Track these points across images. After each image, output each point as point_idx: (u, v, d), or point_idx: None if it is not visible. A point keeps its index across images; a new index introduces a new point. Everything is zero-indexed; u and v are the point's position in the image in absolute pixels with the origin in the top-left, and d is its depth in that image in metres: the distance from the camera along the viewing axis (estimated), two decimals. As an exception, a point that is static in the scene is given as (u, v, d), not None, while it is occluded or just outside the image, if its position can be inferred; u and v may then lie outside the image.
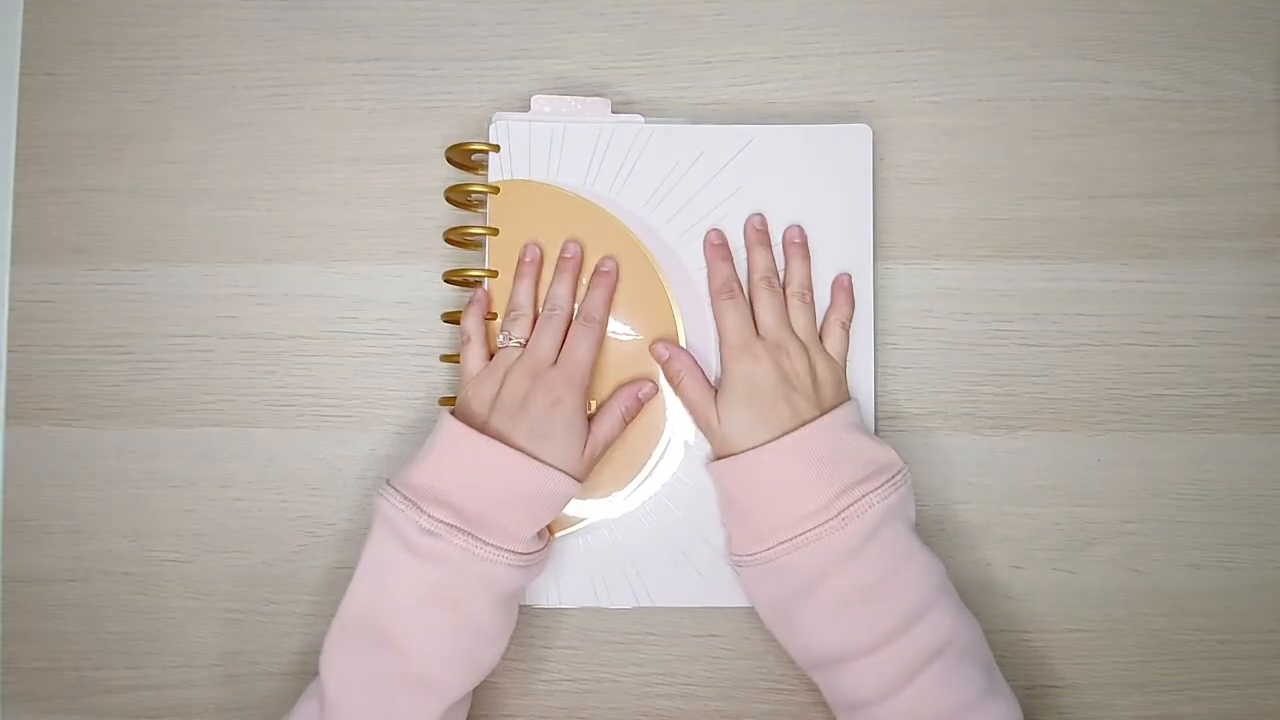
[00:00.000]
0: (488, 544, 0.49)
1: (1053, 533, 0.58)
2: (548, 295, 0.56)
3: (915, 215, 0.59)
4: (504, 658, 0.57)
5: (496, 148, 0.57)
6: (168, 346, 0.59)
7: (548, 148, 0.57)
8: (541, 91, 0.59)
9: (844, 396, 0.55)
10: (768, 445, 0.51)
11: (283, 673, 0.58)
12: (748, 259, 0.56)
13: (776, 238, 0.57)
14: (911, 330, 0.59)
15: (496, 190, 0.57)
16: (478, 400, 0.53)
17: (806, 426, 0.51)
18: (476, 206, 0.58)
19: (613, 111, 0.58)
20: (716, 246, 0.56)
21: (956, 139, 0.59)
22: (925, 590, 0.50)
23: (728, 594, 0.56)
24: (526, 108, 0.58)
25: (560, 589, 0.56)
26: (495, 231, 0.56)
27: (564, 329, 0.55)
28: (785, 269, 0.56)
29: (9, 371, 0.60)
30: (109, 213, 0.60)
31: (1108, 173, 0.59)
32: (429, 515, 0.49)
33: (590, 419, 0.54)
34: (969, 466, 0.58)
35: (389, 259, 0.59)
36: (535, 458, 0.51)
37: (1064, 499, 0.58)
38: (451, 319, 0.56)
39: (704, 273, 0.57)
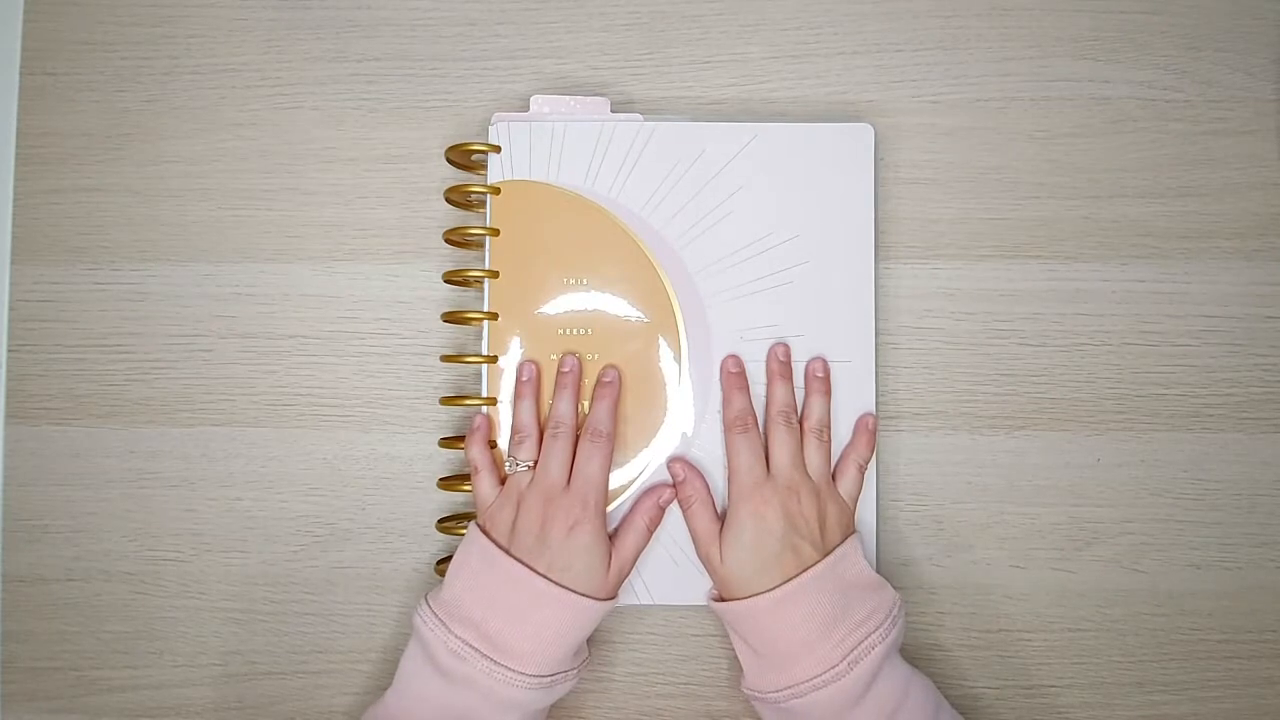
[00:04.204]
0: (510, 669, 0.49)
1: (1052, 533, 0.58)
2: (550, 414, 0.55)
3: (915, 215, 0.59)
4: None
5: (497, 148, 0.57)
6: (168, 346, 0.59)
7: (548, 148, 0.57)
8: (541, 91, 0.59)
9: (849, 532, 0.54)
10: (770, 594, 0.50)
11: (282, 673, 0.58)
12: (767, 392, 0.55)
13: (779, 240, 0.57)
14: (911, 330, 0.59)
15: (497, 191, 0.57)
16: (496, 531, 0.52)
17: (808, 573, 0.51)
18: (477, 207, 0.58)
19: (612, 111, 0.58)
20: (734, 375, 0.55)
21: (956, 139, 0.59)
22: (926, 717, 0.51)
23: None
24: (526, 108, 0.58)
25: (560, 589, 0.56)
26: (496, 232, 0.56)
27: (571, 447, 0.53)
28: (804, 404, 0.55)
29: (9, 371, 0.60)
30: (109, 213, 0.60)
31: (1108, 173, 0.59)
32: (455, 635, 0.49)
33: (613, 536, 0.54)
34: (969, 466, 0.58)
35: (389, 259, 0.59)
36: (559, 584, 0.50)
37: (1063, 499, 0.58)
38: (451, 319, 0.56)
39: (704, 273, 0.56)
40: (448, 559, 0.57)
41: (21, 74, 0.60)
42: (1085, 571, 0.58)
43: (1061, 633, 0.58)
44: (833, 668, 0.49)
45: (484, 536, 0.52)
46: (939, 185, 0.59)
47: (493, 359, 0.56)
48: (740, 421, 0.54)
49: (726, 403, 0.55)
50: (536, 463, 0.53)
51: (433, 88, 0.60)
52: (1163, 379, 0.58)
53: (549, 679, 0.50)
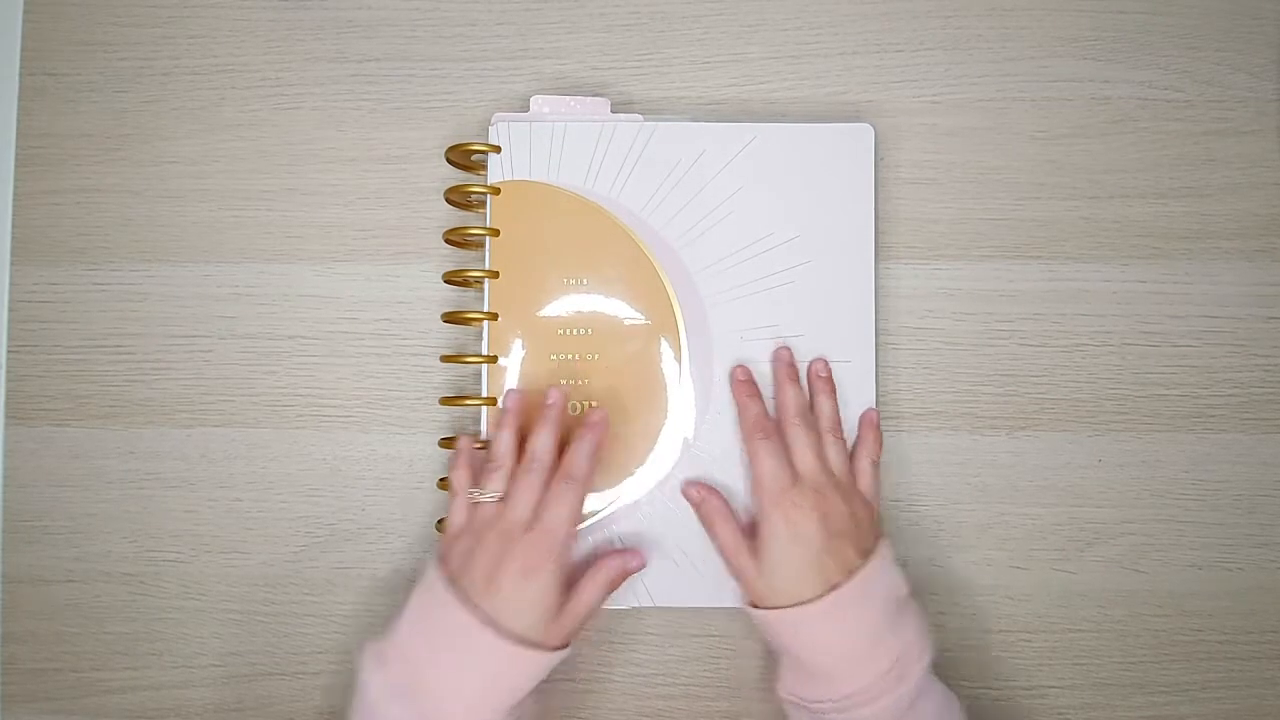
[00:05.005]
0: None
1: (1053, 533, 0.58)
2: (528, 447, 0.52)
3: (915, 215, 0.59)
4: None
5: (497, 149, 0.57)
6: (168, 346, 0.59)
7: (548, 148, 0.57)
8: (541, 91, 0.59)
9: (879, 533, 0.53)
10: (820, 601, 0.49)
11: (282, 673, 0.58)
12: (777, 396, 0.55)
13: (779, 240, 0.56)
14: (911, 330, 0.58)
15: (497, 191, 0.56)
16: (454, 562, 0.50)
17: (857, 578, 0.49)
18: (477, 207, 0.58)
19: (612, 111, 0.58)
20: (743, 383, 0.55)
21: (956, 139, 0.59)
22: None
23: (728, 594, 0.55)
24: (526, 108, 0.58)
25: (560, 589, 0.56)
26: (496, 232, 0.56)
27: (543, 486, 0.51)
28: (813, 405, 0.55)
29: (9, 371, 0.60)
30: (109, 213, 0.60)
31: (1108, 173, 0.59)
32: (391, 682, 0.47)
33: (573, 583, 0.51)
34: (969, 466, 0.58)
35: (389, 259, 0.59)
36: (504, 631, 0.47)
37: (1064, 499, 0.58)
38: (451, 319, 0.56)
39: (705, 273, 0.56)
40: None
41: (21, 74, 0.60)
42: (1086, 572, 0.58)
43: (1062, 634, 0.58)
44: (882, 678, 0.48)
45: (436, 575, 0.49)
46: (939, 185, 0.59)
47: (493, 359, 0.56)
48: (760, 427, 0.53)
49: (742, 410, 0.54)
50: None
51: (433, 88, 0.60)
52: (1164, 379, 0.58)
53: None
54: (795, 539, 0.50)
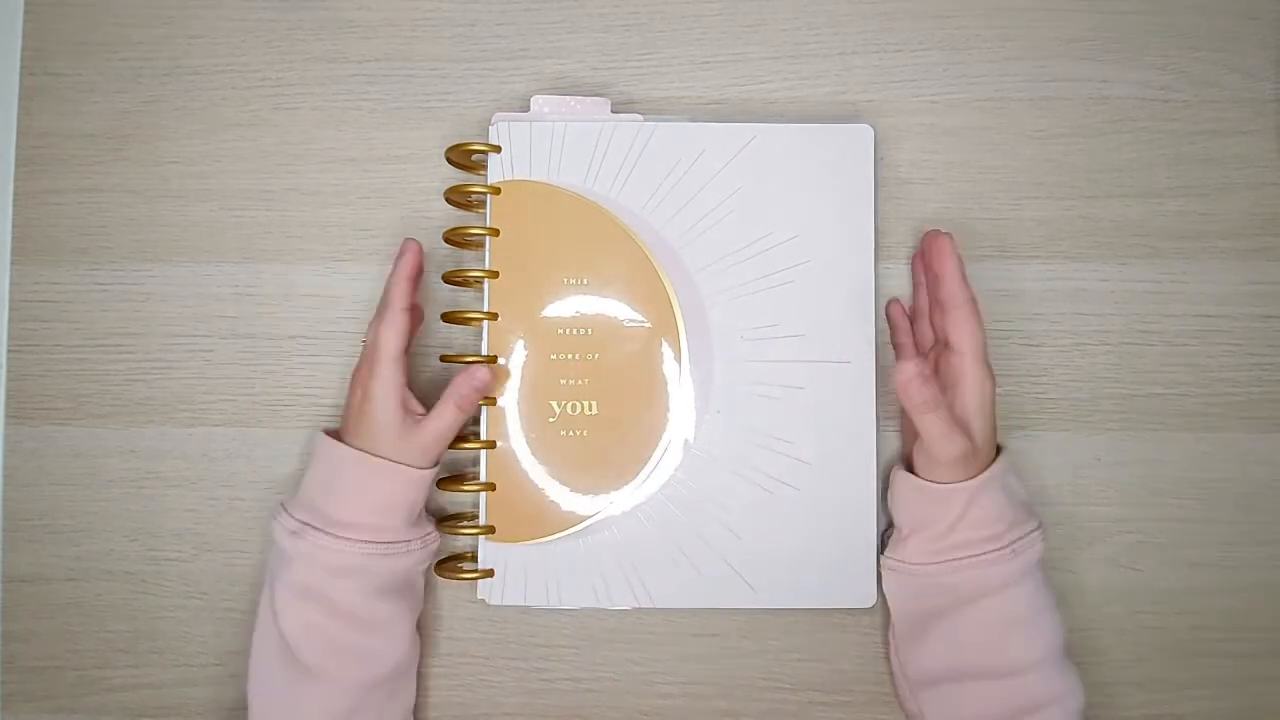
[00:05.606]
0: (340, 537, 0.51)
1: (1052, 533, 0.58)
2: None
3: (915, 215, 0.59)
4: (503, 657, 0.58)
5: (497, 148, 0.57)
6: (168, 346, 0.59)
7: (548, 147, 0.57)
8: (541, 91, 0.59)
9: None
10: (998, 464, 0.52)
11: (283, 672, 0.58)
12: (943, 290, 0.53)
13: (779, 240, 0.56)
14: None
15: (497, 191, 0.57)
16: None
17: (1004, 451, 0.53)
18: (477, 207, 0.58)
19: (612, 111, 0.58)
20: (948, 247, 0.53)
21: (956, 139, 0.59)
22: (1054, 643, 0.51)
23: (728, 594, 0.56)
24: (526, 108, 0.58)
25: (560, 589, 0.56)
26: (496, 232, 0.56)
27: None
28: (943, 282, 0.54)
29: (9, 371, 0.60)
30: (109, 213, 0.60)
31: (1106, 172, 0.59)
32: (292, 517, 0.52)
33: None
34: (968, 466, 0.58)
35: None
36: (371, 453, 0.52)
37: (1064, 499, 0.58)
38: (451, 319, 0.56)
39: (705, 273, 0.56)
40: (448, 559, 0.57)
41: (21, 74, 0.60)
42: (1085, 571, 0.58)
43: (1061, 632, 0.58)
44: (1000, 549, 0.51)
45: (322, 431, 0.55)
46: (939, 185, 0.59)
47: (493, 359, 0.56)
48: (973, 298, 0.53)
49: (943, 279, 0.53)
50: None
51: (433, 88, 0.60)
52: (1161, 378, 0.59)
53: (385, 546, 0.52)
54: (991, 406, 0.52)
